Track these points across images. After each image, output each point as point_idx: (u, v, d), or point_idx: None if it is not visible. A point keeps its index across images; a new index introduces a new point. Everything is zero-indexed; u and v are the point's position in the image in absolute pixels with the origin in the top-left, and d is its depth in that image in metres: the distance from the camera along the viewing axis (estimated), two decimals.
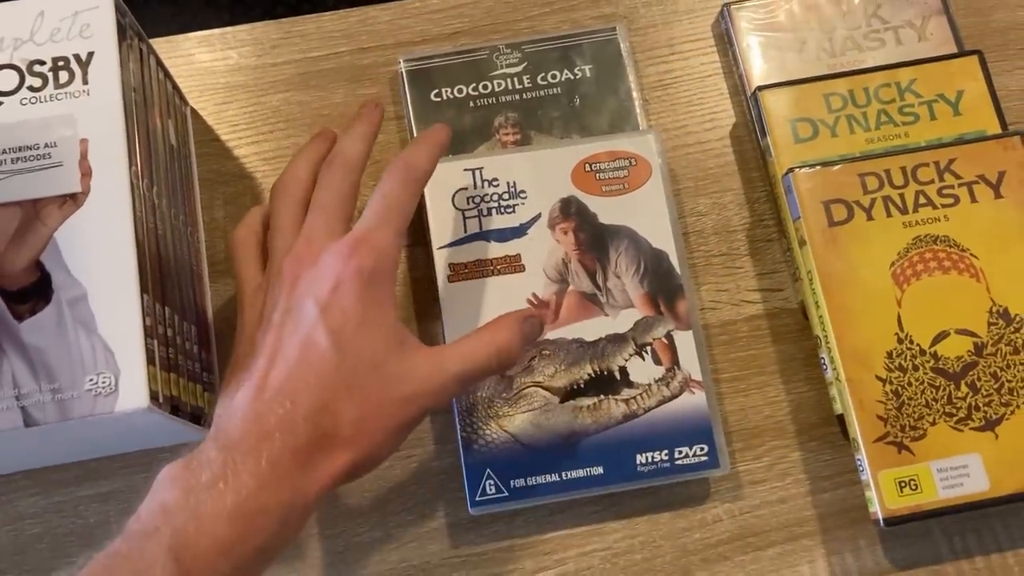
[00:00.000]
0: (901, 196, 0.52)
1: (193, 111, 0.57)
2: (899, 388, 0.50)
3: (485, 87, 0.57)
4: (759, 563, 0.52)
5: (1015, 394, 0.50)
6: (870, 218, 0.52)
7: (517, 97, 0.57)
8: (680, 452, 0.51)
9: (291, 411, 0.39)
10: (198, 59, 0.59)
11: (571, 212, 0.53)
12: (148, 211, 0.45)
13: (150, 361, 0.41)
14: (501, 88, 0.57)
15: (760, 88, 0.56)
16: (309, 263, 0.42)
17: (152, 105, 0.49)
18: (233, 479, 0.37)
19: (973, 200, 0.52)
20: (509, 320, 0.45)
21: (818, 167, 0.53)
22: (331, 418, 0.39)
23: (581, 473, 0.50)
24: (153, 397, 0.41)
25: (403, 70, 0.57)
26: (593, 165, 0.54)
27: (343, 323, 0.40)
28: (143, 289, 0.42)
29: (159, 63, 0.52)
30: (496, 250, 0.53)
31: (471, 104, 0.57)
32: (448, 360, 0.43)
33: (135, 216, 0.43)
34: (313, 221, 0.44)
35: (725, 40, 0.59)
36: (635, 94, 0.57)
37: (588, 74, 0.57)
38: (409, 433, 0.43)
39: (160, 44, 0.57)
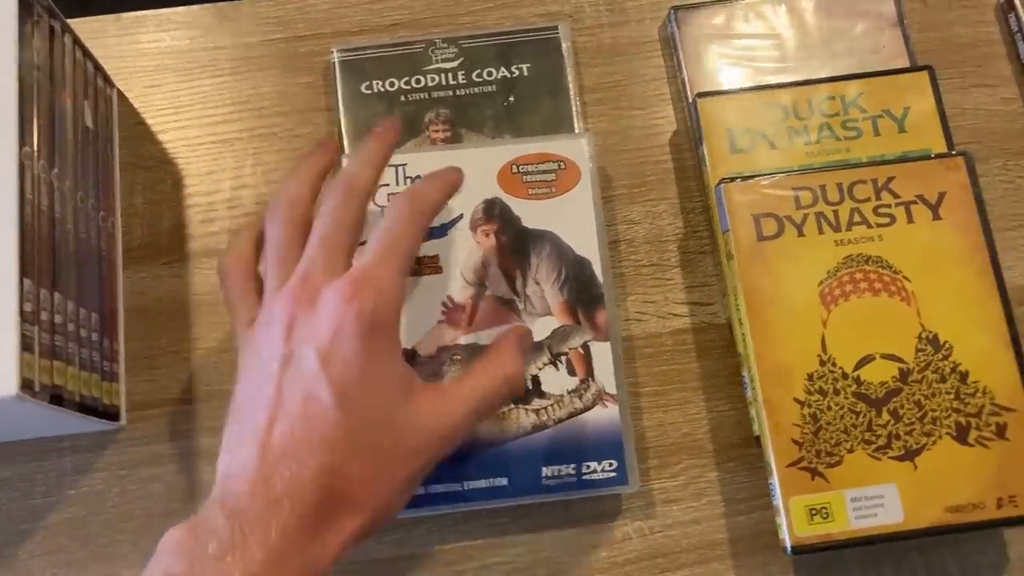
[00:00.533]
0: (835, 213, 0.51)
1: (120, 93, 0.56)
2: (818, 412, 0.48)
3: (418, 81, 0.55)
4: None
5: (938, 424, 0.48)
6: (801, 234, 0.50)
7: (450, 93, 0.55)
8: (588, 467, 0.49)
9: (298, 474, 0.37)
10: (129, 40, 0.57)
11: (494, 214, 0.52)
12: (43, 193, 0.44)
13: (26, 348, 0.40)
14: (435, 83, 0.55)
15: (699, 95, 0.54)
16: (307, 304, 0.39)
17: (62, 85, 0.48)
18: (242, 552, 0.35)
19: (910, 221, 0.50)
20: (509, 345, 0.44)
21: (751, 179, 0.51)
22: (340, 480, 0.37)
23: (484, 484, 0.49)
24: (26, 385, 0.40)
25: (335, 60, 0.56)
26: (520, 167, 0.52)
27: (345, 376, 0.38)
28: (26, 274, 0.41)
29: (76, 42, 0.51)
30: None
31: (402, 98, 0.55)
32: (455, 403, 0.41)
33: (23, 198, 0.42)
34: (312, 255, 0.41)
35: (671, 44, 0.58)
36: (574, 96, 0.56)
37: (526, 73, 0.56)
38: (419, 483, 0.41)
39: (91, 23, 0.56)
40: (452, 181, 0.46)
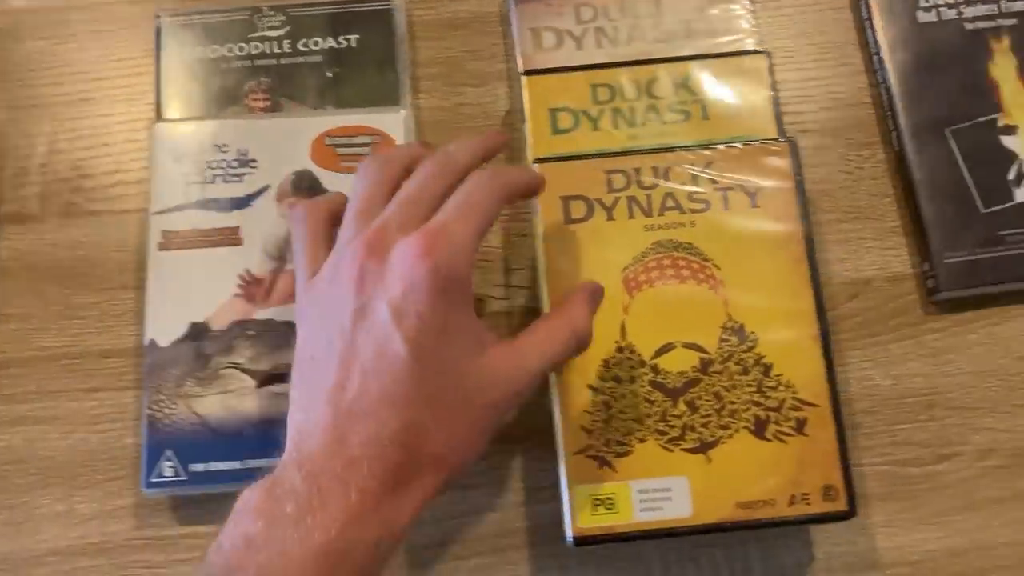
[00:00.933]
0: (648, 197, 0.49)
1: None
2: (611, 400, 0.47)
3: (242, 49, 0.54)
4: (458, 573, 0.49)
5: (736, 417, 0.46)
6: (611, 218, 0.49)
7: (274, 62, 0.54)
8: None
9: (376, 432, 0.36)
10: None
11: (302, 187, 0.51)
12: None
13: None
14: (258, 51, 0.54)
15: (525, 73, 0.52)
16: (379, 256, 0.38)
17: None
18: (321, 513, 0.34)
19: (725, 208, 0.49)
20: (581, 298, 0.44)
21: (563, 161, 0.49)
22: (417, 437, 0.37)
23: (267, 464, 0.47)
24: None
25: (160, 25, 0.54)
26: (334, 139, 0.51)
27: (420, 330, 0.37)
28: None
29: None
30: (215, 220, 0.50)
31: (225, 66, 0.54)
32: (528, 358, 0.40)
33: None
34: (392, 210, 0.40)
35: (508, 21, 0.56)
36: (404, 70, 0.54)
37: (355, 44, 0.54)
38: (491, 437, 0.40)
39: None
40: (538, 180, 0.45)
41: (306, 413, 0.38)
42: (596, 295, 0.46)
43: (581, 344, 0.43)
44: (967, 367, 0.52)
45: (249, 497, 0.36)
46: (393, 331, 0.37)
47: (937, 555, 0.50)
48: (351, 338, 0.37)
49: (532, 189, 0.44)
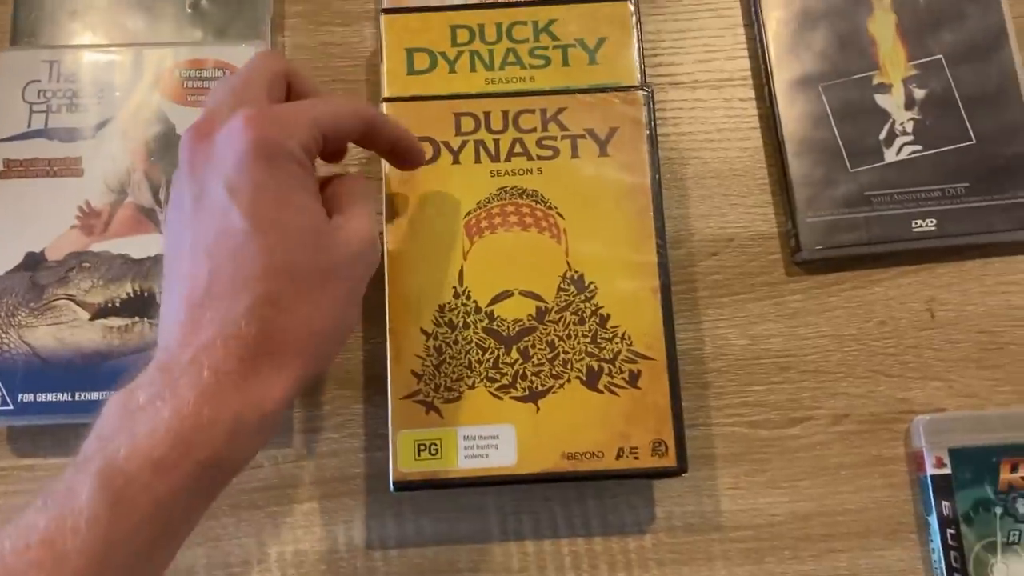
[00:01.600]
0: (496, 142, 0.48)
1: None
2: (443, 345, 0.46)
3: None
4: (291, 516, 0.48)
5: (568, 367, 0.46)
6: (456, 162, 0.48)
7: None
8: None
9: (228, 312, 0.34)
10: None
11: (150, 120, 0.50)
12: None
13: None
14: None
15: (384, 11, 0.51)
16: (208, 138, 0.37)
17: None
18: (171, 395, 0.33)
19: (575, 155, 0.48)
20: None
21: (411, 101, 0.48)
22: (274, 311, 0.35)
23: (98, 396, 0.47)
24: None
25: None
26: (184, 71, 0.50)
27: (256, 201, 0.35)
28: None
29: None
30: (57, 150, 0.49)
31: None
32: (363, 221, 0.39)
33: None
34: (221, 96, 0.38)
35: None
36: (267, 4, 0.53)
37: None
38: (354, 320, 0.39)
39: None
40: (413, 145, 0.44)
41: (167, 310, 0.37)
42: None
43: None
44: (826, 330, 0.51)
45: (108, 400, 0.35)
46: (229, 206, 0.35)
47: (782, 519, 0.49)
48: (194, 226, 0.36)
49: (402, 145, 0.43)
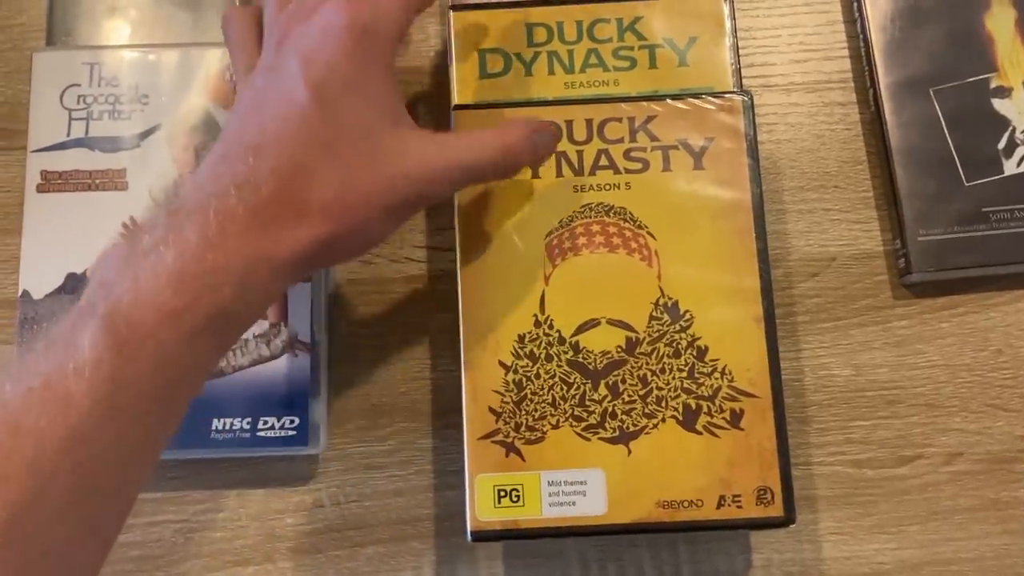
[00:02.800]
0: (580, 154, 0.44)
1: None
2: (523, 379, 0.41)
3: None
4: (354, 561, 0.44)
5: (663, 405, 0.41)
6: (536, 176, 0.43)
7: None
8: (265, 422, 0.43)
9: (256, 166, 0.34)
10: None
11: (199, 126, 0.45)
12: None
13: None
14: None
15: (453, 7, 0.47)
16: (302, 19, 0.37)
17: None
18: (175, 239, 0.32)
19: (666, 169, 0.43)
20: (520, 124, 0.40)
21: (485, 109, 0.44)
22: (303, 178, 0.34)
23: None
24: None
25: None
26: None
27: (326, 79, 0.35)
28: None
29: None
30: (99, 161, 0.45)
31: None
32: (452, 146, 0.38)
33: None
34: None
35: None
36: None
37: None
38: (404, 220, 0.37)
39: None
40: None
41: (202, 162, 0.36)
42: (543, 134, 0.41)
43: (509, 165, 0.39)
44: (937, 359, 0.47)
45: (109, 246, 0.34)
46: (298, 77, 0.35)
47: (890, 568, 0.45)
48: (261, 92, 0.36)
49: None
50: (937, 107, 0.47)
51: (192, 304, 0.32)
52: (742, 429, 0.41)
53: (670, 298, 0.42)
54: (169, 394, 0.32)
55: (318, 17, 0.36)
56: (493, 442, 0.41)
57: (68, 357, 0.30)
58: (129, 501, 0.33)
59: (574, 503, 0.41)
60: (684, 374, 0.42)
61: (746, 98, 0.44)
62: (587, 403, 0.41)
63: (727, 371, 0.42)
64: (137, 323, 0.31)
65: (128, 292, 0.31)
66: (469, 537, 0.40)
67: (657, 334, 0.42)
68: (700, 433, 0.41)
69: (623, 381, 0.42)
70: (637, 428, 0.41)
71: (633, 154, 0.43)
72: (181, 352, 0.32)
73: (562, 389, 0.41)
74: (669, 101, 0.44)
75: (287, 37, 0.37)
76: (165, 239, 0.32)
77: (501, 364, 0.42)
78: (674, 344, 0.42)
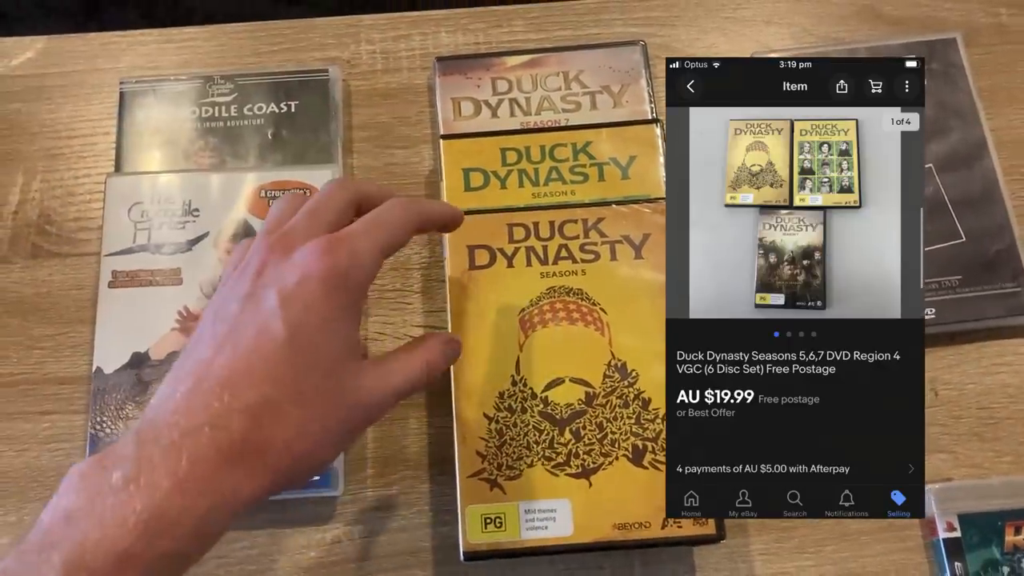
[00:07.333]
0: (544, 248, 0.55)
1: None
2: (504, 428, 0.52)
3: (194, 112, 0.61)
4: None
5: (616, 445, 0.51)
6: (510, 265, 0.55)
7: (222, 124, 0.60)
8: None
9: (228, 404, 0.35)
10: None
11: (238, 234, 0.57)
12: None
13: None
14: (208, 115, 0.61)
15: (442, 137, 0.59)
16: (281, 253, 0.40)
17: None
18: (146, 480, 0.33)
19: (613, 258, 0.55)
20: (434, 340, 0.46)
21: (470, 214, 0.55)
22: (271, 415, 0.36)
23: None
24: None
25: (123, 90, 0.61)
26: (268, 192, 0.57)
27: (304, 320, 0.38)
28: None
29: None
30: (158, 262, 0.56)
31: (178, 127, 0.60)
32: (392, 375, 0.42)
33: None
34: (299, 219, 0.42)
35: (433, 91, 0.63)
36: (334, 132, 0.61)
37: (294, 110, 0.61)
38: (350, 445, 0.42)
39: None
40: (453, 214, 0.47)
41: (170, 385, 0.37)
42: (452, 345, 0.47)
43: (431, 378, 0.45)
44: None
45: (75, 470, 0.34)
46: (276, 314, 0.37)
47: None
48: (236, 320, 0.38)
49: (445, 221, 0.47)
50: None
51: (151, 547, 0.33)
52: None
53: (620, 360, 0.53)
54: None
55: (299, 256, 0.39)
56: (480, 479, 0.51)
57: None
58: None
59: (546, 527, 0.50)
60: (632, 421, 0.52)
61: None
62: (555, 446, 0.51)
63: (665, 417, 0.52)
64: (97, 570, 0.32)
65: (92, 531, 0.32)
66: (462, 557, 0.50)
67: (610, 389, 0.52)
68: (647, 468, 0.51)
69: (584, 427, 0.52)
70: (596, 465, 0.51)
71: (587, 247, 0.55)
72: None
73: (535, 435, 0.52)
74: (614, 206, 0.56)
75: (266, 267, 0.39)
76: (136, 478, 0.33)
77: (485, 416, 0.52)
78: (624, 397, 0.52)
